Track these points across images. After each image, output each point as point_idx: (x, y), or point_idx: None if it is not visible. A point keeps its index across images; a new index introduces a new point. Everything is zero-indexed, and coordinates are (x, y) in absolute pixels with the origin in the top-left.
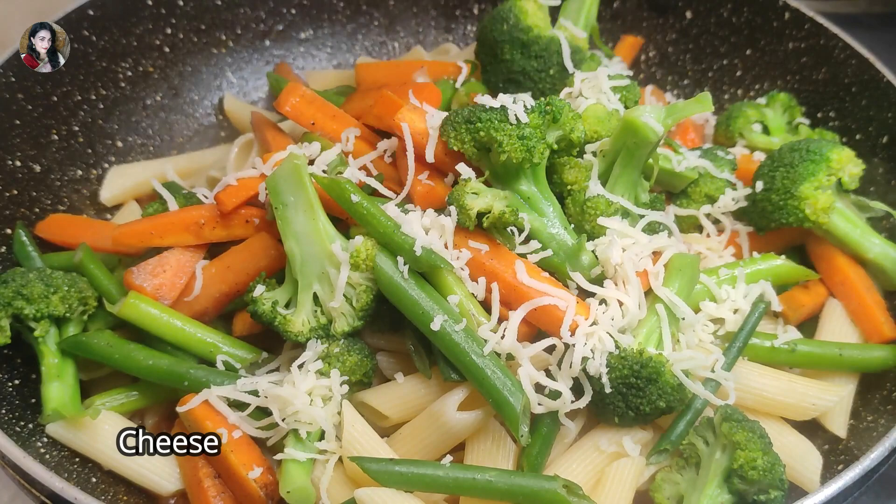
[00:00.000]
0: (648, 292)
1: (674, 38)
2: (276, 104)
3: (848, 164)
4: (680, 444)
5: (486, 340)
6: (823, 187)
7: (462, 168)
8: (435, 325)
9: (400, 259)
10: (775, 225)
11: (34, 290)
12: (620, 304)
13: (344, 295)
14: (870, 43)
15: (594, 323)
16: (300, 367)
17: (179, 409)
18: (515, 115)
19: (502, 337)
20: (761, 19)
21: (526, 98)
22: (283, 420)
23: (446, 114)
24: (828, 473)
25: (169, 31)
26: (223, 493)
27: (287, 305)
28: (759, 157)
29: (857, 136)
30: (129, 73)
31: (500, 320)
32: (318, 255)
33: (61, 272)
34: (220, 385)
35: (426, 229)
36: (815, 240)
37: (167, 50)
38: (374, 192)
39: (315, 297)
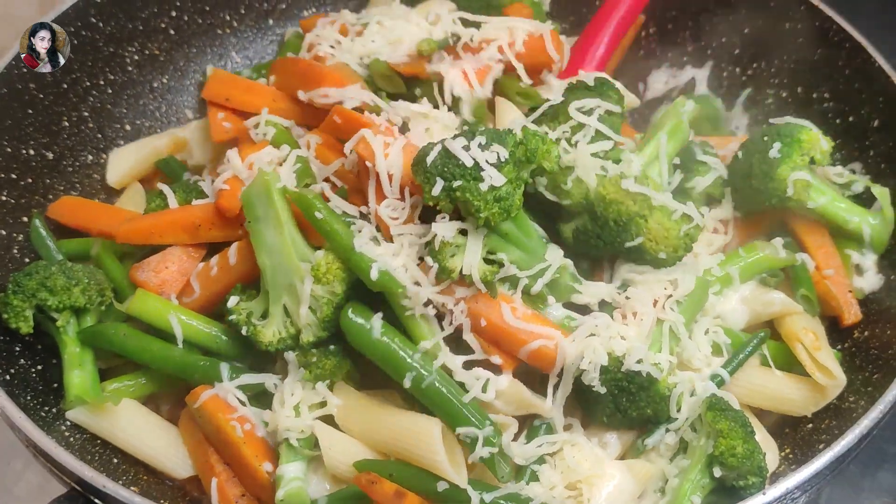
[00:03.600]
0: None
1: (674, 16)
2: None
3: (817, 142)
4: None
5: (467, 390)
6: (798, 167)
7: (439, 228)
8: (406, 383)
9: (373, 320)
10: (759, 208)
11: (57, 282)
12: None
13: (310, 307)
14: (870, 26)
15: (591, 334)
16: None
17: (192, 405)
18: (490, 176)
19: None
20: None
21: (499, 149)
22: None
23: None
24: (810, 452)
25: (174, 13)
26: (234, 477)
27: (262, 316)
28: None
29: (850, 119)
30: (136, 57)
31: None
32: (286, 268)
33: (81, 265)
34: (231, 379)
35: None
36: (796, 218)
37: (172, 32)
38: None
39: (286, 308)
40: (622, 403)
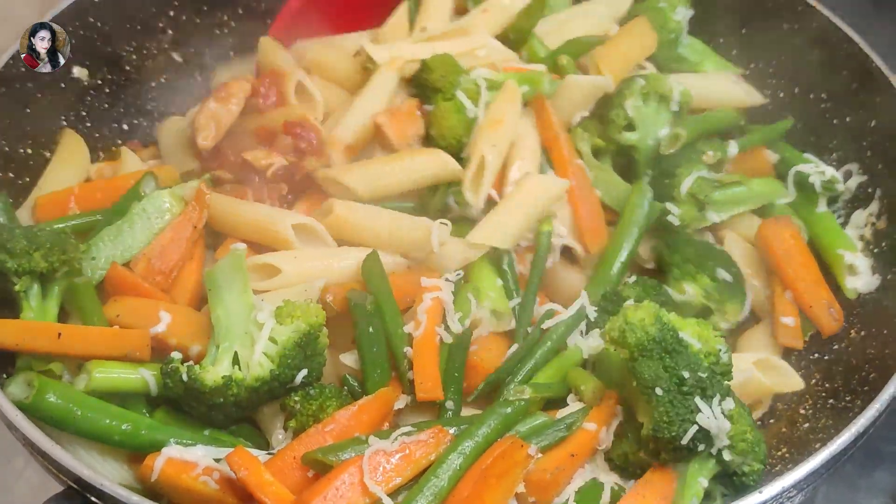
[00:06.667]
0: None
1: None
2: None
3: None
4: None
5: None
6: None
7: None
8: None
9: None
10: None
11: (17, 245)
12: None
13: (264, 352)
14: (868, 27)
15: None
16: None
17: (149, 478)
18: None
19: None
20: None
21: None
22: None
23: None
24: (806, 450)
25: (172, 13)
26: None
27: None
28: None
29: (848, 119)
30: (134, 57)
31: None
32: (244, 318)
33: (49, 230)
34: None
35: None
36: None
37: (170, 32)
38: None
39: (236, 355)
40: None
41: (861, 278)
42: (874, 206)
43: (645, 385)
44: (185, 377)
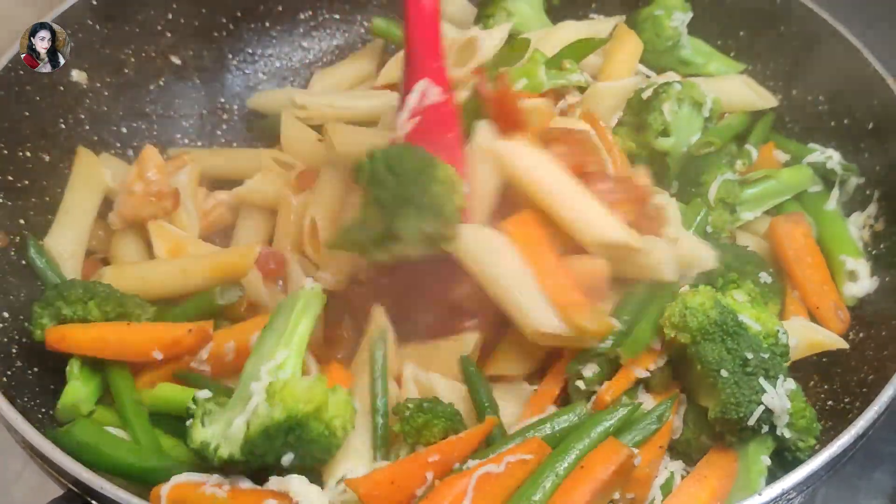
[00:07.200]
0: None
1: None
2: None
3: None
4: None
5: None
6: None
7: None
8: None
9: None
10: None
11: (73, 293)
12: None
13: (247, 422)
14: (866, 30)
15: None
16: None
17: None
18: None
19: None
20: (753, 2)
21: None
22: None
23: None
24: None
25: (170, 15)
26: None
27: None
28: None
29: (845, 121)
30: (133, 60)
31: None
32: (259, 378)
33: (109, 285)
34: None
35: None
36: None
37: (169, 35)
38: None
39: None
40: None
41: (860, 285)
42: (872, 209)
43: (710, 368)
44: (188, 423)
